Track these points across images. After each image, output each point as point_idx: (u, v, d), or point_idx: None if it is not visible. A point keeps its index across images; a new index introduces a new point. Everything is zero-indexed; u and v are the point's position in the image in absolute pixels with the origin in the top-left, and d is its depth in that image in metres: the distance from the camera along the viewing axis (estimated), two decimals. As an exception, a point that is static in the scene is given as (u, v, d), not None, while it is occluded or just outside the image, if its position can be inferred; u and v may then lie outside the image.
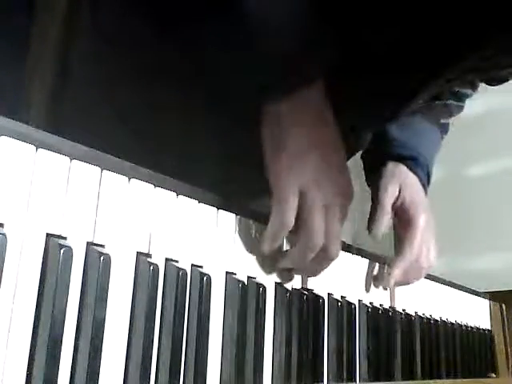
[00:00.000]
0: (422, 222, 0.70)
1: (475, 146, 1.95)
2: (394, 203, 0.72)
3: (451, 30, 0.54)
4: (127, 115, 0.65)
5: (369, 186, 0.78)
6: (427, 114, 0.78)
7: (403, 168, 0.74)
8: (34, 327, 0.35)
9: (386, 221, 0.69)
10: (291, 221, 0.51)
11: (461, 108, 0.82)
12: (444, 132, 0.81)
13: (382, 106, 0.64)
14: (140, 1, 0.62)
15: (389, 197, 0.70)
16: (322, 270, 0.56)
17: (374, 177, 0.74)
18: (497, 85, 0.78)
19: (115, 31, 0.65)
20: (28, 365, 0.34)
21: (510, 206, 1.93)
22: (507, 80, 0.76)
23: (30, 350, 0.35)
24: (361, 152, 0.80)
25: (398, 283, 0.71)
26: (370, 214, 0.70)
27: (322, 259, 0.54)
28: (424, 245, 0.71)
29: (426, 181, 0.76)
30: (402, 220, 0.71)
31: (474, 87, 0.81)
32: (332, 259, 0.54)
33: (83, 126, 0.66)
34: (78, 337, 0.37)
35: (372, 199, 0.73)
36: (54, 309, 0.35)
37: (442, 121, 0.80)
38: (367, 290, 0.69)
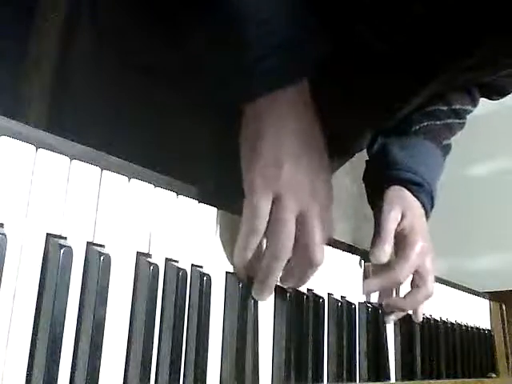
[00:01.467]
0: (419, 249, 0.68)
1: (475, 146, 1.95)
2: (397, 228, 0.70)
3: (448, 29, 0.54)
4: (127, 115, 0.65)
5: (371, 208, 0.76)
6: (430, 136, 0.78)
7: (407, 193, 0.73)
8: (33, 327, 0.35)
9: (389, 248, 0.68)
10: (261, 228, 0.49)
11: (462, 125, 0.82)
12: (446, 154, 0.81)
13: (378, 106, 0.63)
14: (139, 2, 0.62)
15: (392, 223, 0.69)
16: (308, 277, 0.54)
17: (376, 199, 0.73)
18: (497, 99, 0.78)
19: (115, 31, 0.65)
20: (28, 365, 0.34)
21: (510, 206, 1.93)
22: (508, 93, 0.76)
23: (30, 350, 0.35)
24: (363, 167, 0.79)
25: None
26: (373, 239, 0.69)
27: (305, 266, 0.52)
28: (421, 270, 0.69)
29: (429, 207, 0.75)
30: (400, 245, 0.70)
31: (474, 102, 0.81)
32: (315, 265, 0.52)
33: (83, 125, 0.66)
34: (77, 337, 0.37)
35: (375, 222, 0.71)
36: (54, 309, 0.35)
37: (445, 142, 0.79)
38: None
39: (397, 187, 0.73)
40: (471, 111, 0.81)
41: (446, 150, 0.80)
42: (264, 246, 0.51)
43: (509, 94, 0.77)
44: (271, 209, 0.49)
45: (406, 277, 0.68)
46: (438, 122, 0.78)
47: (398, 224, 0.70)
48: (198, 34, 0.52)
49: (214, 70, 0.52)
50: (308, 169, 0.50)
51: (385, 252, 0.67)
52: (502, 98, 0.78)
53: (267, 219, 0.49)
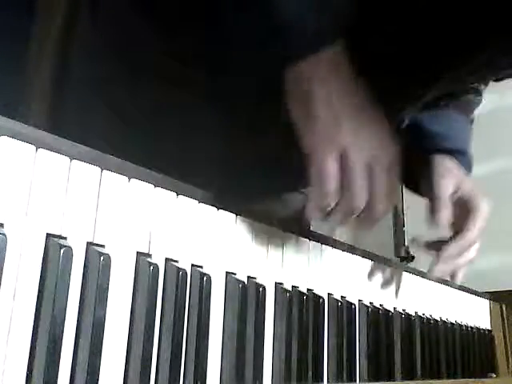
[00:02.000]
0: (485, 209, 0.71)
1: (475, 146, 1.95)
2: (453, 196, 0.72)
3: (454, 29, 0.54)
4: (127, 115, 0.65)
5: (408, 187, 0.78)
6: (456, 109, 0.79)
7: (452, 161, 0.74)
8: (33, 327, 0.35)
9: (447, 213, 0.69)
10: (333, 191, 0.50)
11: (480, 102, 0.83)
12: (471, 126, 0.82)
13: (386, 107, 0.64)
14: (139, 1, 0.62)
15: (446, 190, 0.70)
16: (370, 227, 0.54)
17: (418, 174, 0.74)
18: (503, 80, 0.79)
19: (115, 31, 0.65)
20: (28, 365, 0.34)
21: (510, 206, 1.93)
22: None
23: (30, 350, 0.35)
24: None
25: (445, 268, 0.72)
26: (430, 211, 0.70)
27: (369, 218, 0.52)
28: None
29: (469, 170, 0.76)
30: (463, 211, 0.71)
31: (486, 83, 0.82)
32: (378, 217, 0.52)
33: (83, 125, 0.66)
34: (77, 337, 0.37)
35: (425, 196, 0.73)
36: (54, 309, 0.35)
37: (471, 116, 0.81)
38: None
39: (440, 157, 0.74)
40: (483, 90, 0.82)
41: (472, 122, 0.82)
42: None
43: None
44: (339, 166, 0.50)
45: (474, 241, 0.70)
46: (462, 99, 0.79)
47: (456, 192, 0.71)
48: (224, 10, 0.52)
49: (247, 42, 0.51)
50: (366, 121, 0.51)
51: (445, 218, 0.69)
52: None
53: (337, 179, 0.50)
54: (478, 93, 0.82)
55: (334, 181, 0.49)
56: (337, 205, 0.51)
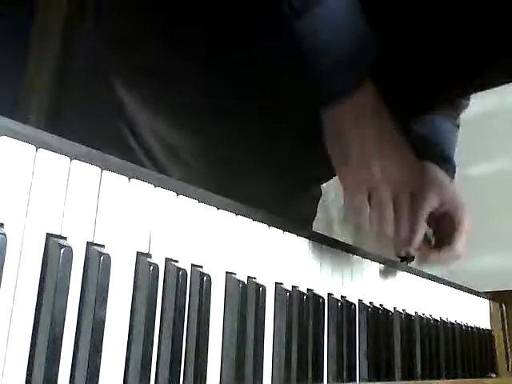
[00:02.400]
0: (466, 222, 0.73)
1: (475, 146, 1.95)
2: (435, 210, 0.72)
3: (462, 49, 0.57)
4: (127, 115, 0.65)
5: None
6: (446, 114, 0.79)
7: (437, 168, 0.74)
8: (34, 327, 0.35)
9: (419, 238, 0.69)
10: (363, 221, 0.58)
11: (467, 105, 0.83)
12: (457, 131, 0.83)
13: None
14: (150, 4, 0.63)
15: (428, 206, 0.70)
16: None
17: None
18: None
19: (117, 31, 0.65)
20: (28, 365, 0.34)
21: (510, 206, 1.93)
22: None
23: (30, 350, 0.35)
24: None
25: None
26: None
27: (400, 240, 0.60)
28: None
29: (453, 175, 0.77)
30: (448, 222, 0.72)
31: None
32: (404, 239, 0.60)
33: (83, 125, 0.66)
34: (77, 337, 0.37)
35: None
36: (54, 309, 0.35)
37: (457, 121, 0.81)
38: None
39: (428, 164, 0.74)
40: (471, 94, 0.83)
41: (458, 127, 0.82)
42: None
43: None
44: (371, 198, 0.57)
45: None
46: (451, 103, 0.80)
47: (440, 205, 0.72)
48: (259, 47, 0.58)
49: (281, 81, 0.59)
50: (394, 157, 0.57)
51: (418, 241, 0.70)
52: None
53: (368, 211, 0.58)
54: (467, 96, 0.82)
55: (362, 215, 0.58)
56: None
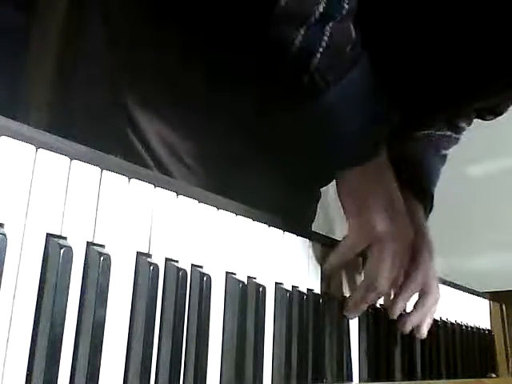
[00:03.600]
0: (427, 254, 0.71)
1: (475, 146, 1.95)
2: None
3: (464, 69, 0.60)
4: (128, 114, 0.65)
5: None
6: (429, 144, 0.79)
7: (412, 199, 0.74)
8: (33, 327, 0.35)
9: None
10: (350, 258, 0.62)
11: (457, 140, 0.84)
12: (443, 164, 0.83)
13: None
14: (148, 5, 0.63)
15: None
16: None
17: None
18: (491, 119, 0.81)
19: (119, 31, 0.65)
20: (28, 365, 0.34)
21: (510, 206, 1.93)
22: (502, 114, 0.78)
23: (30, 350, 0.35)
24: None
25: (411, 321, 0.72)
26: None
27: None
28: (430, 275, 0.71)
29: (428, 211, 0.77)
30: (413, 262, 0.70)
31: (470, 121, 0.83)
32: (378, 288, 0.62)
33: (83, 125, 0.66)
34: (77, 337, 0.37)
35: None
36: (54, 309, 0.35)
37: (443, 152, 0.81)
38: None
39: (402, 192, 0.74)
40: (465, 129, 0.84)
41: (443, 160, 0.83)
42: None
43: (502, 114, 0.79)
44: (372, 249, 0.61)
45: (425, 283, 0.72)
46: (438, 132, 0.80)
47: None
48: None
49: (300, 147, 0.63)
50: (398, 217, 0.62)
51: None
52: (494, 118, 0.81)
53: (357, 254, 0.62)
54: (459, 131, 0.82)
55: (353, 255, 0.62)
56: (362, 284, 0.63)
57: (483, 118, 0.83)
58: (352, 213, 0.62)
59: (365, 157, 0.59)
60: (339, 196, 0.63)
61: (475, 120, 0.86)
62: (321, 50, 0.52)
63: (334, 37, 0.52)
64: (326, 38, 0.52)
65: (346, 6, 0.52)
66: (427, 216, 0.77)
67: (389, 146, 0.77)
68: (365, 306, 0.63)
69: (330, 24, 0.52)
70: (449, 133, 0.81)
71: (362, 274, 0.70)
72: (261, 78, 0.58)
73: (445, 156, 0.83)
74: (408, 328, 0.71)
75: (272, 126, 0.64)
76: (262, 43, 0.53)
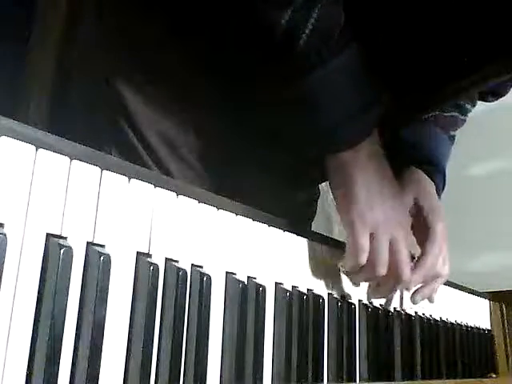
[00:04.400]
0: (441, 229, 0.70)
1: (475, 146, 1.95)
2: (410, 211, 0.71)
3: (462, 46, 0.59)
4: (128, 114, 0.65)
5: None
6: (438, 125, 0.79)
7: (422, 174, 0.74)
8: (33, 327, 0.35)
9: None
10: (365, 259, 0.60)
11: (464, 122, 0.84)
12: (452, 144, 0.82)
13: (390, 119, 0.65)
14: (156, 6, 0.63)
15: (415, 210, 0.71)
16: (396, 291, 0.66)
17: None
18: (492, 100, 0.80)
19: (118, 30, 0.65)
20: (28, 365, 0.34)
21: (510, 206, 1.93)
22: (503, 95, 0.78)
23: (30, 349, 0.35)
24: None
25: (416, 294, 0.71)
26: None
27: (395, 281, 0.63)
28: (441, 254, 0.70)
29: (441, 188, 0.76)
30: (421, 227, 0.71)
31: (473, 102, 0.83)
32: (406, 281, 0.63)
33: (84, 125, 0.66)
34: (77, 337, 0.37)
35: None
36: (54, 309, 0.35)
37: (451, 133, 0.81)
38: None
39: (412, 168, 0.74)
40: (470, 111, 0.83)
41: (452, 140, 0.83)
42: None
43: (503, 95, 0.78)
44: (370, 239, 0.59)
45: (435, 262, 0.70)
46: (445, 114, 0.80)
47: (417, 206, 0.72)
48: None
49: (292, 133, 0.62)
50: (391, 205, 0.61)
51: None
52: (497, 99, 0.80)
53: (368, 251, 0.60)
54: (464, 112, 0.82)
55: (366, 254, 0.59)
56: (362, 269, 0.61)
57: (485, 100, 0.82)
58: (342, 206, 0.61)
59: (351, 142, 0.58)
60: (330, 187, 0.62)
61: (475, 120, 0.86)
62: (307, 31, 0.52)
63: (321, 20, 0.52)
64: (312, 20, 0.52)
65: None
66: (440, 193, 0.77)
67: (398, 128, 0.77)
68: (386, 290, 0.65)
69: (318, 7, 0.52)
70: (455, 113, 0.81)
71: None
72: (254, 63, 0.58)
73: (453, 137, 0.83)
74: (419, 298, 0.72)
75: (273, 120, 0.64)
76: (250, 25, 0.53)
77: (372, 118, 0.59)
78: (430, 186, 0.74)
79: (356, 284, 0.66)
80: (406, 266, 0.61)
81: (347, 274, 0.64)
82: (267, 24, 0.52)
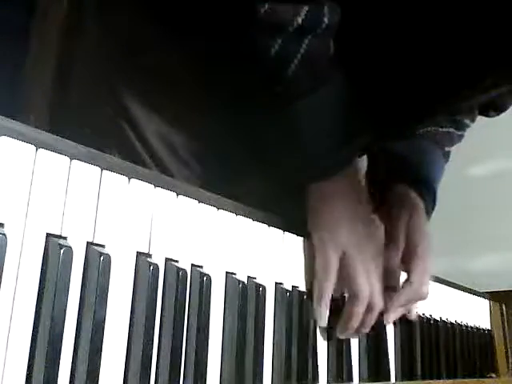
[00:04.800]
0: (425, 249, 0.69)
1: (475, 146, 1.95)
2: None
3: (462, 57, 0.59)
4: (128, 114, 0.65)
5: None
6: (432, 140, 0.78)
7: (413, 193, 0.73)
8: (34, 327, 0.35)
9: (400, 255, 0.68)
10: (334, 277, 0.58)
11: (461, 137, 0.83)
12: (446, 160, 0.82)
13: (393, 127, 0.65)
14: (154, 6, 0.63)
15: (403, 229, 0.70)
16: (373, 320, 0.62)
17: (380, 198, 0.73)
18: (494, 116, 0.80)
19: (117, 31, 0.65)
20: (28, 365, 0.34)
21: (510, 206, 1.93)
22: (505, 110, 0.77)
23: (30, 349, 0.35)
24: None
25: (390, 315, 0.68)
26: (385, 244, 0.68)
27: (372, 310, 0.60)
28: (425, 278, 0.68)
29: (431, 208, 0.75)
30: (407, 248, 0.69)
31: (473, 118, 0.82)
32: (379, 308, 0.61)
33: (83, 125, 0.66)
34: (78, 337, 0.37)
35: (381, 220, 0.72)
36: (54, 309, 0.35)
37: (446, 148, 0.80)
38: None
39: (402, 187, 0.73)
40: (469, 126, 0.83)
41: (447, 156, 0.82)
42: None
43: (505, 110, 0.78)
44: (343, 262, 0.59)
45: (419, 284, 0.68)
46: (440, 129, 0.80)
47: (405, 224, 0.70)
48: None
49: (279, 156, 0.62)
50: (366, 228, 0.61)
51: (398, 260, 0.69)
52: (498, 114, 0.80)
53: (337, 269, 0.59)
54: (461, 127, 0.82)
55: (335, 273, 0.58)
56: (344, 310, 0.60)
57: (487, 115, 0.82)
58: (316, 227, 0.60)
59: (333, 171, 0.59)
60: (307, 207, 0.62)
61: (476, 120, 0.86)
62: (296, 61, 0.53)
63: (311, 50, 0.53)
64: (302, 50, 0.53)
65: (326, 21, 0.53)
66: (430, 213, 0.76)
67: (392, 143, 0.77)
68: (356, 323, 0.60)
69: (308, 37, 0.53)
70: (452, 130, 0.81)
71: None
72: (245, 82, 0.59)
73: (448, 153, 0.82)
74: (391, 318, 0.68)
75: (270, 123, 0.64)
76: (241, 49, 0.54)
77: (354, 148, 0.60)
78: (420, 205, 0.73)
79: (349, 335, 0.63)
80: (377, 291, 0.60)
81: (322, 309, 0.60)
82: (258, 50, 0.53)
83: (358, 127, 0.59)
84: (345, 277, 0.59)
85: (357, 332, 0.61)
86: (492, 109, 0.80)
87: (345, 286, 0.60)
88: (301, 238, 0.60)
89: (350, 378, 0.62)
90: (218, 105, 0.65)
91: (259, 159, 0.69)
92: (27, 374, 0.34)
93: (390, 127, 0.69)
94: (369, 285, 0.59)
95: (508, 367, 1.02)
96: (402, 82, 0.62)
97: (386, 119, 0.65)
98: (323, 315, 0.59)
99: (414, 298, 0.69)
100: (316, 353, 0.58)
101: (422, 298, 0.69)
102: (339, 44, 0.56)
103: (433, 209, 0.76)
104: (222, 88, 0.63)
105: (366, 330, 0.62)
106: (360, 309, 0.59)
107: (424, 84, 0.62)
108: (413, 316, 0.72)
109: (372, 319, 0.61)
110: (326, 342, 0.60)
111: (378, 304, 0.60)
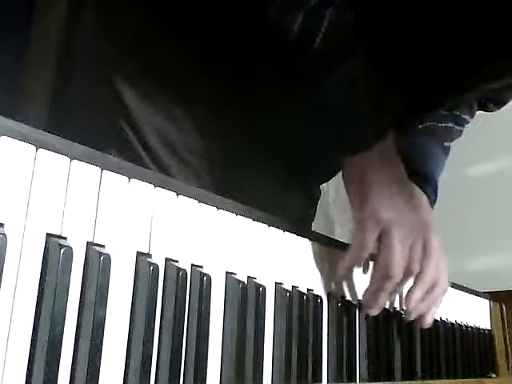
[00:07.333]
0: (437, 244, 0.67)
1: (475, 146, 1.95)
2: None
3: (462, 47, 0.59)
4: (128, 114, 0.65)
5: None
6: (432, 135, 0.78)
7: (415, 186, 0.73)
8: (34, 327, 0.35)
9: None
10: (364, 257, 0.60)
11: (460, 133, 0.83)
12: (446, 155, 0.82)
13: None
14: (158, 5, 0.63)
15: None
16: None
17: None
18: (493, 110, 0.80)
19: (120, 30, 0.65)
20: (28, 365, 0.34)
21: (510, 206, 1.93)
22: (504, 104, 0.77)
23: (30, 349, 0.35)
24: None
25: (417, 310, 0.67)
26: None
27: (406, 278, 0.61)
28: (441, 266, 0.67)
29: (433, 200, 0.75)
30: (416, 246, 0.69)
31: (472, 113, 0.82)
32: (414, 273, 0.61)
33: (84, 125, 0.66)
34: (77, 337, 0.37)
35: None
36: (54, 309, 0.35)
37: (446, 144, 0.80)
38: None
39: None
40: (468, 122, 0.83)
41: (446, 151, 0.81)
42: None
43: (505, 104, 0.78)
44: (381, 239, 0.59)
45: (436, 276, 0.68)
46: (440, 124, 0.79)
47: None
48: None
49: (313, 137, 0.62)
50: (407, 200, 0.61)
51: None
52: (498, 109, 0.80)
53: (371, 251, 0.60)
54: (460, 122, 0.81)
55: (368, 252, 0.60)
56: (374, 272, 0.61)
57: (487, 109, 0.82)
58: (356, 204, 0.61)
59: (367, 144, 0.59)
60: (344, 185, 0.62)
61: (475, 120, 0.85)
62: (320, 35, 0.52)
63: (334, 22, 0.52)
64: (325, 22, 0.52)
65: None
66: (432, 206, 0.76)
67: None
68: (384, 299, 0.62)
69: (330, 9, 0.52)
70: (451, 125, 0.81)
71: (363, 274, 0.70)
72: (263, 69, 0.58)
73: (448, 148, 0.82)
74: (413, 316, 0.67)
75: (274, 120, 0.64)
76: (262, 29, 0.53)
77: (387, 119, 0.59)
78: (423, 198, 0.73)
79: (374, 308, 0.64)
80: (398, 261, 0.59)
81: (342, 278, 0.63)
82: (280, 27, 0.52)
83: (387, 100, 0.58)
84: (381, 252, 0.59)
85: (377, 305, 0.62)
86: (492, 103, 0.80)
87: (379, 258, 0.60)
88: (301, 238, 0.60)
89: (350, 378, 0.62)
90: (220, 102, 0.65)
91: (269, 154, 0.68)
92: (27, 374, 0.34)
93: (419, 100, 0.68)
94: (401, 266, 0.59)
95: (508, 367, 1.02)
96: (425, 53, 0.61)
97: (413, 91, 0.64)
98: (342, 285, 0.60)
99: (432, 288, 0.67)
100: (316, 353, 0.58)
101: (439, 285, 0.67)
102: (361, 18, 0.55)
103: (434, 201, 0.76)
104: (227, 77, 0.62)
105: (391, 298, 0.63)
106: (388, 287, 0.60)
107: (447, 55, 0.61)
108: (426, 323, 0.69)
109: (400, 289, 0.63)
110: (326, 342, 0.60)
111: (415, 270, 0.61)
